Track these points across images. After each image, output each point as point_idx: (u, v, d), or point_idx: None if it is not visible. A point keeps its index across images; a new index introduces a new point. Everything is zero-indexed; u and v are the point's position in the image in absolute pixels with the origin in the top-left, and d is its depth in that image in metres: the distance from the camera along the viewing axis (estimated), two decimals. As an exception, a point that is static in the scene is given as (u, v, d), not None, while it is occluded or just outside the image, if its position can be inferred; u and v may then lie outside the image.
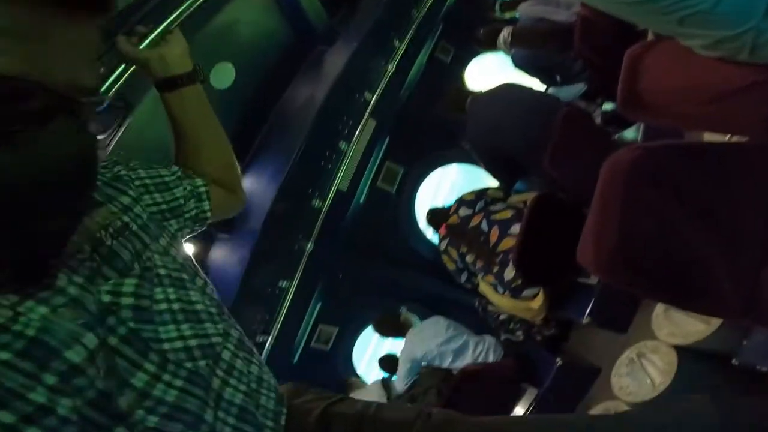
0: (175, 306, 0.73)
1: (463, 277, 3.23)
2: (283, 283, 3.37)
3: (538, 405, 2.67)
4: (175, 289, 0.74)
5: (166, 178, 0.89)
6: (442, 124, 4.18)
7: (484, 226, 3.01)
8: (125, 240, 0.71)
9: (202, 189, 0.94)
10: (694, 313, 1.41)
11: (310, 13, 3.81)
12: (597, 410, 2.06)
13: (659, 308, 2.03)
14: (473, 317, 3.52)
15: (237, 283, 3.20)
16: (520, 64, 3.33)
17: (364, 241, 4.12)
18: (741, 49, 1.31)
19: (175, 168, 0.93)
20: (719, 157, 1.24)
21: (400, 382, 3.38)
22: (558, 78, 3.22)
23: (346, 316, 4.16)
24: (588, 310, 2.56)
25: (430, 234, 4.19)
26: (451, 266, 3.24)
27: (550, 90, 3.48)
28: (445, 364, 3.14)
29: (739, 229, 1.17)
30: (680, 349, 1.85)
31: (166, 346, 0.68)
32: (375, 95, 3.76)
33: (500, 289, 2.94)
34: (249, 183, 3.47)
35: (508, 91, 2.96)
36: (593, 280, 2.67)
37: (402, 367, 3.27)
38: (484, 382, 2.68)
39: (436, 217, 3.34)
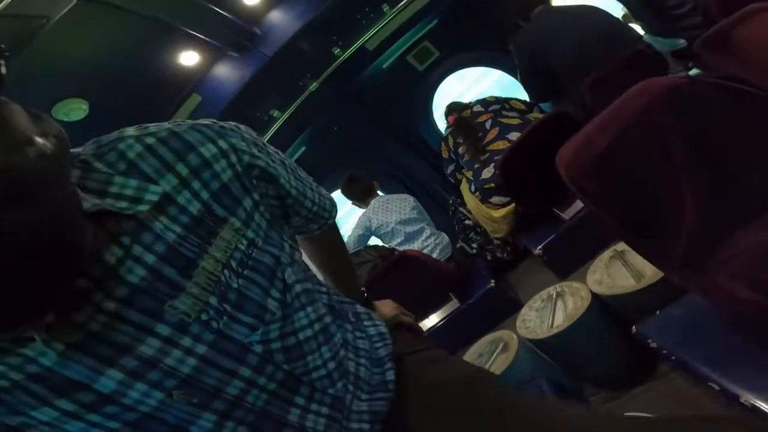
0: (316, 327, 0.69)
1: (450, 168, 3.27)
2: (275, 113, 3.38)
3: (454, 317, 2.72)
4: (312, 307, 0.70)
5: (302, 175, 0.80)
6: (496, 25, 3.90)
7: (488, 124, 3.01)
8: (252, 271, 0.61)
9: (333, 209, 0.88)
10: (638, 251, 1.31)
11: None
12: (491, 337, 2.09)
13: (606, 254, 1.97)
14: (442, 217, 3.56)
15: (230, 98, 3.21)
16: None
17: (373, 105, 4.06)
18: None
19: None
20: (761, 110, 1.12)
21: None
22: (664, 24, 2.80)
23: (323, 167, 4.14)
24: (545, 242, 2.59)
25: (440, 125, 4.13)
26: (444, 154, 3.28)
27: (645, 37, 3.05)
28: (393, 242, 3.19)
29: (733, 187, 1.11)
30: (596, 298, 1.80)
31: (314, 375, 0.67)
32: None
33: (473, 187, 2.98)
34: (280, 9, 3.35)
35: (588, 9, 2.76)
36: (567, 214, 2.66)
37: (353, 233, 3.32)
38: (417, 273, 2.70)
39: (454, 109, 3.35)
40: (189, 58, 3.12)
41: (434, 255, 3.05)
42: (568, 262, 2.54)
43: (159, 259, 0.52)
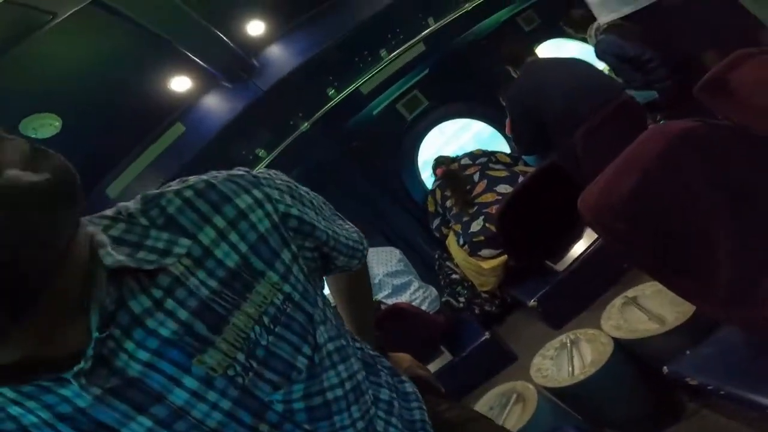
0: (347, 386, 0.66)
1: (436, 222, 3.30)
2: (261, 152, 3.27)
3: (448, 370, 2.63)
4: (345, 365, 0.66)
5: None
6: (484, 78, 4.04)
7: (476, 177, 3.09)
8: (284, 329, 0.59)
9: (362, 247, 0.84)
10: (674, 289, 1.31)
11: None
12: (502, 388, 2.00)
13: (618, 300, 1.96)
14: (428, 272, 3.49)
15: (215, 131, 3.09)
16: (605, 52, 3.14)
17: (360, 151, 4.03)
18: None
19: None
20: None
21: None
22: (638, 77, 3.04)
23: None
24: (540, 294, 2.56)
25: (424, 176, 4.14)
26: (431, 208, 3.32)
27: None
28: (380, 295, 3.09)
29: (761, 225, 1.13)
30: (618, 344, 1.78)
31: None
32: (437, 24, 3.62)
33: (461, 240, 2.98)
34: (281, 43, 3.33)
35: (575, 61, 2.89)
36: (560, 266, 2.64)
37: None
38: (407, 327, 2.60)
39: (442, 162, 3.49)
40: (180, 84, 2.99)
41: (423, 308, 2.95)
42: (562, 314, 2.55)
43: (191, 314, 0.53)
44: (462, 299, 3.16)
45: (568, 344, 1.98)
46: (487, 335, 2.64)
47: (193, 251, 0.55)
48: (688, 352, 1.34)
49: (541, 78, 2.75)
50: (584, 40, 3.53)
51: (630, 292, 1.96)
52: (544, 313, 2.60)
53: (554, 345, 2.06)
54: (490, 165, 3.14)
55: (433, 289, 3.18)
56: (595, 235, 2.48)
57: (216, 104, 3.22)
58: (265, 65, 3.22)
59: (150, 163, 3.10)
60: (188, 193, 0.57)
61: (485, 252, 2.89)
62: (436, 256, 3.43)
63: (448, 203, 3.13)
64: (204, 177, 0.61)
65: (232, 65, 3.04)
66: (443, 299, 3.23)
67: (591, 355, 1.86)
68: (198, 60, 2.81)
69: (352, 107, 3.56)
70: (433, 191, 3.29)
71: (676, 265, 1.17)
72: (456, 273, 3.24)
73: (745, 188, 1.15)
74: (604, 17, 2.46)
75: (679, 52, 2.86)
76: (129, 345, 0.51)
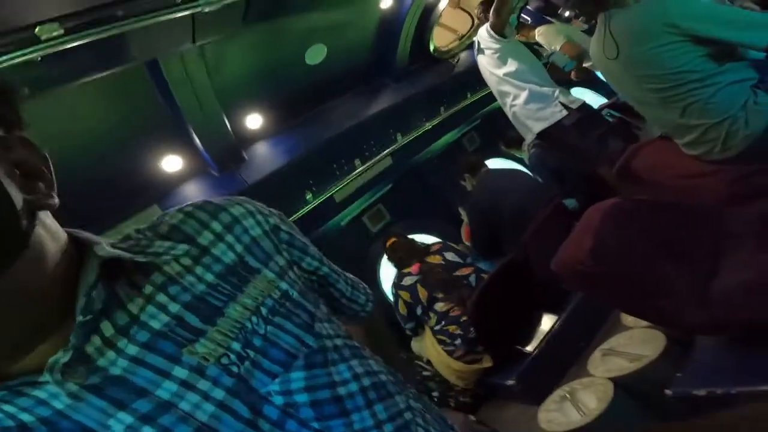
0: (366, 382, 0.61)
1: (410, 325, 3.12)
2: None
3: None
4: (360, 361, 0.63)
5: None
6: (438, 196, 4.47)
7: (473, 279, 3.01)
8: (283, 319, 0.58)
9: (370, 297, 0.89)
10: (643, 315, 1.67)
11: (399, 52, 4.18)
12: None
13: (596, 354, 2.13)
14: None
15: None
16: (534, 165, 3.58)
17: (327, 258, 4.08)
18: (717, 139, 1.87)
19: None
20: (677, 212, 1.72)
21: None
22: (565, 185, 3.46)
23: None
24: (517, 373, 2.67)
25: (386, 289, 4.16)
26: (403, 309, 3.07)
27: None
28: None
29: (691, 258, 1.56)
30: (616, 382, 1.90)
31: None
32: (405, 140, 4.11)
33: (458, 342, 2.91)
34: (269, 143, 3.58)
35: (519, 172, 3.51)
36: (530, 347, 2.77)
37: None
38: None
39: (413, 252, 3.19)
40: (170, 164, 3.07)
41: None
42: (540, 388, 2.53)
43: (183, 307, 0.54)
44: (435, 394, 3.11)
45: (567, 396, 2.06)
46: (472, 417, 2.62)
47: (191, 252, 0.58)
48: (679, 374, 1.49)
49: (494, 187, 3.22)
50: (516, 157, 4.16)
51: (605, 345, 2.16)
52: (524, 391, 2.66)
53: (554, 399, 2.12)
54: (480, 266, 3.09)
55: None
56: (556, 315, 2.77)
57: (198, 191, 3.27)
58: (252, 159, 3.40)
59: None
60: (189, 208, 0.64)
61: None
62: (405, 356, 3.34)
63: (438, 306, 2.95)
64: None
65: (226, 154, 3.20)
66: (414, 396, 3.12)
67: (594, 397, 1.94)
68: (197, 142, 2.95)
69: (324, 214, 3.70)
70: (409, 289, 3.02)
71: (638, 295, 1.50)
72: (428, 370, 3.20)
73: (673, 239, 1.60)
74: (527, 137, 3.23)
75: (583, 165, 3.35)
76: (120, 341, 0.50)
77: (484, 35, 3.11)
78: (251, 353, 0.54)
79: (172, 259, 0.56)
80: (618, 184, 2.30)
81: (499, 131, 4.42)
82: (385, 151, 3.96)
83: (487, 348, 2.88)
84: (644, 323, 2.06)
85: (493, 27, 3.00)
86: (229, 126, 3.05)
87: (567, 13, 3.66)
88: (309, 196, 3.63)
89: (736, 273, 1.43)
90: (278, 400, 0.54)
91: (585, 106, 3.16)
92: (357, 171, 3.80)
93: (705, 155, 1.95)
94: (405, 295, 3.02)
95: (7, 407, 0.46)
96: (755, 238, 1.48)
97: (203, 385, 0.51)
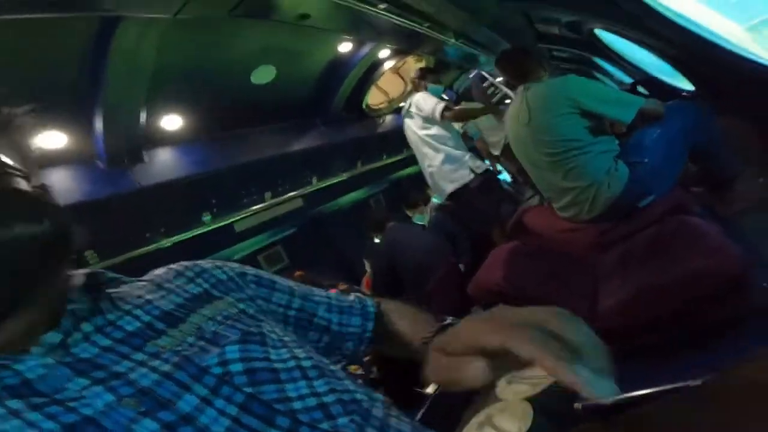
0: (306, 363, 0.64)
1: None
2: (90, 255, 2.73)
3: None
4: (303, 350, 0.66)
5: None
6: (341, 253, 4.29)
7: None
8: (235, 321, 0.65)
9: (371, 308, 0.89)
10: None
11: (338, 96, 4.16)
12: None
13: (502, 382, 2.11)
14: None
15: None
16: (433, 226, 4.02)
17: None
18: (586, 201, 2.29)
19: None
20: (560, 255, 2.38)
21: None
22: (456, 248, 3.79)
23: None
24: (421, 413, 2.52)
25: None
26: None
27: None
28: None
29: (574, 285, 2.11)
30: (531, 400, 1.90)
31: (297, 405, 0.59)
32: (319, 185, 3.96)
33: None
34: (178, 150, 3.22)
35: (420, 228, 3.87)
36: (430, 389, 2.69)
37: None
38: None
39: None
40: (49, 139, 2.51)
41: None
42: (453, 411, 2.47)
43: (153, 318, 0.63)
44: None
45: (485, 421, 1.94)
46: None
47: (165, 286, 0.69)
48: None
49: (398, 242, 3.34)
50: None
51: (508, 376, 2.15)
52: (435, 422, 2.50)
53: (473, 427, 1.98)
54: None
55: None
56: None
57: (72, 182, 2.66)
58: (153, 162, 2.95)
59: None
60: (173, 265, 0.76)
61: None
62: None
63: None
64: None
65: (125, 148, 2.72)
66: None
67: (515, 417, 1.86)
68: (97, 124, 2.48)
69: (219, 241, 3.38)
70: None
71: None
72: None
73: (557, 267, 2.18)
74: (441, 197, 3.70)
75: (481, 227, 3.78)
76: (96, 336, 0.58)
77: (420, 103, 3.58)
78: (202, 343, 0.60)
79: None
80: (510, 239, 2.80)
81: (402, 197, 4.57)
82: (298, 191, 3.74)
83: (387, 391, 2.70)
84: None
85: (444, 116, 3.52)
86: (143, 118, 2.62)
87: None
88: (207, 218, 3.26)
89: (610, 297, 1.90)
90: (217, 370, 0.58)
91: (487, 171, 3.77)
92: (265, 203, 3.54)
93: (574, 217, 2.39)
94: None
95: None
96: (618, 272, 2.00)
97: (154, 362, 0.56)
